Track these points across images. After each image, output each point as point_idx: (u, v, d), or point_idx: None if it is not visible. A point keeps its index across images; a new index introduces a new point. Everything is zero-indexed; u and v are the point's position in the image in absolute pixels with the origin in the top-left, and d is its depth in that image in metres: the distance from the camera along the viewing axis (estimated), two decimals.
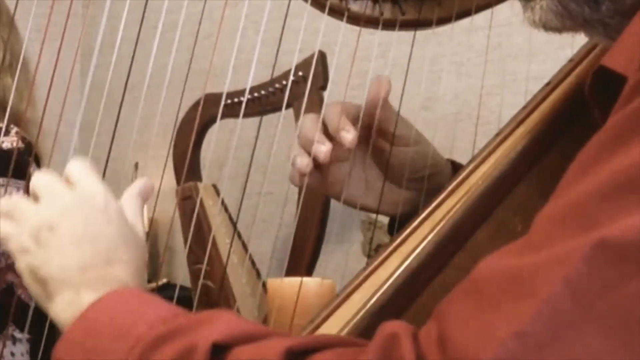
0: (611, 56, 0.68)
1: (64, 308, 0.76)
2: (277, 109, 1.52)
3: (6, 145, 1.39)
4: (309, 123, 1.00)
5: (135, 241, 0.82)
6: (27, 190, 1.45)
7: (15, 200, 0.82)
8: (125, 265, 0.78)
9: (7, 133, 1.38)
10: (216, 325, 0.67)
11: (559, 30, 0.83)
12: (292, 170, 1.02)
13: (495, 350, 0.51)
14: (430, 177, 1.06)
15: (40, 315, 0.84)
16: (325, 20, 1.03)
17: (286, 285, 1.01)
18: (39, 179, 0.82)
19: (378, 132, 1.03)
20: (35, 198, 0.81)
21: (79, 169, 0.83)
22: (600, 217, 0.53)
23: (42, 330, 0.90)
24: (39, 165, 1.43)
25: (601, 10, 0.77)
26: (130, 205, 0.86)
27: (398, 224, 1.04)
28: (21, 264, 0.79)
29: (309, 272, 1.46)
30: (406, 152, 1.04)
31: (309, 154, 0.99)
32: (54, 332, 0.89)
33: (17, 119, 1.41)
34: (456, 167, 1.08)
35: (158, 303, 0.74)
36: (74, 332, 0.73)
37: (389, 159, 1.04)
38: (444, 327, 0.56)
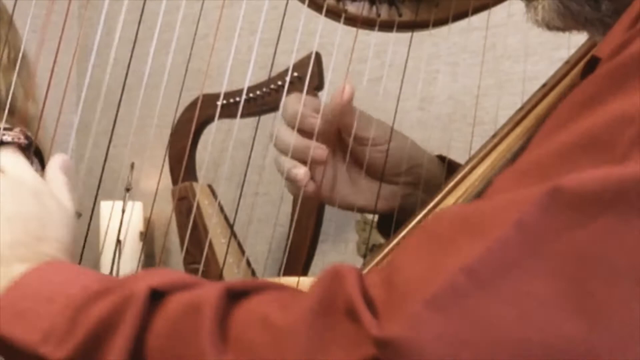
0: (600, 46, 0.69)
1: None
2: (273, 109, 1.52)
3: (6, 139, 1.39)
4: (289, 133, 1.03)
5: (65, 220, 0.82)
6: None
7: None
8: (55, 242, 0.79)
9: (10, 129, 1.39)
10: (152, 275, 0.67)
11: (562, 29, 0.83)
12: (288, 183, 1.04)
13: (441, 283, 0.51)
14: (411, 170, 1.07)
15: None
16: (322, 21, 1.03)
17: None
18: None
19: (353, 139, 1.05)
20: None
21: (9, 159, 0.85)
22: (558, 170, 0.54)
23: None
24: (42, 162, 1.43)
25: (601, 9, 0.77)
26: (55, 181, 0.86)
27: (387, 221, 1.05)
28: None
29: (304, 271, 1.46)
30: (382, 150, 1.06)
31: (300, 161, 1.01)
32: None
33: (20, 117, 1.41)
34: (451, 165, 1.09)
35: (90, 271, 0.74)
36: (6, 299, 0.72)
37: (367, 160, 1.05)
38: (393, 266, 0.57)
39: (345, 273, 0.57)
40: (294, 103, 1.04)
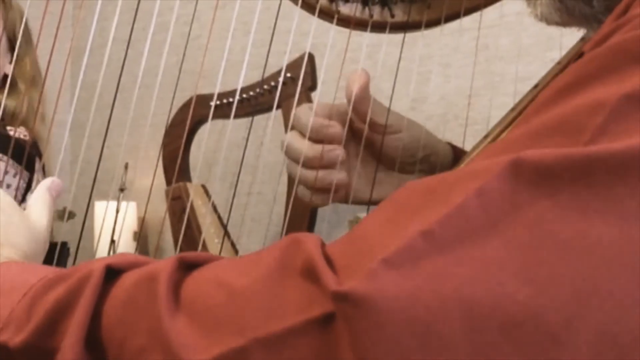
0: (588, 43, 0.70)
1: None
2: (266, 109, 1.53)
3: (17, 135, 1.42)
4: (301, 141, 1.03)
5: (29, 231, 0.85)
6: (26, 182, 1.45)
7: None
8: (14, 249, 0.81)
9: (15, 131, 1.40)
10: (109, 258, 0.68)
11: (561, 24, 0.84)
12: (301, 188, 1.04)
13: (400, 243, 0.52)
14: (427, 158, 1.07)
15: None
16: (315, 22, 1.03)
17: None
18: None
19: (368, 126, 1.05)
20: None
21: None
22: (523, 147, 0.54)
23: None
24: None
25: (593, 6, 0.78)
26: (37, 199, 0.89)
27: None
28: None
29: None
30: (400, 138, 1.06)
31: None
32: None
33: (32, 134, 1.43)
34: (456, 151, 1.10)
35: (51, 267, 0.75)
36: None
37: (381, 149, 1.05)
38: (355, 231, 0.58)
39: (304, 238, 0.58)
40: (306, 114, 1.04)
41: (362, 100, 1.02)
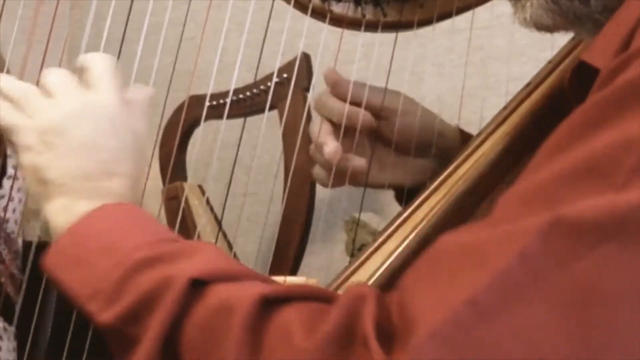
0: (590, 51, 0.69)
1: (58, 212, 0.77)
2: (261, 110, 1.53)
3: None
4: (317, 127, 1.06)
5: (138, 155, 0.82)
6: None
7: (24, 87, 0.82)
8: (124, 179, 0.79)
9: None
10: (197, 260, 0.68)
11: (549, 28, 0.83)
12: (318, 171, 1.07)
13: (446, 314, 0.52)
14: (438, 142, 1.08)
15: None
16: (308, 22, 1.03)
17: None
18: (54, 75, 0.82)
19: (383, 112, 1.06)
20: (47, 93, 0.81)
21: (100, 70, 0.83)
22: (560, 198, 0.54)
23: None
24: None
25: (590, 5, 0.77)
26: (135, 107, 0.85)
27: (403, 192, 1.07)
28: (24, 160, 0.79)
29: (293, 271, 1.47)
30: (412, 123, 1.06)
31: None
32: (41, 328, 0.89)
33: None
34: (464, 134, 1.11)
35: (147, 223, 0.76)
36: (63, 241, 0.74)
37: (396, 132, 1.06)
38: (403, 293, 0.58)
39: (367, 296, 0.59)
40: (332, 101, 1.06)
41: (340, 83, 1.05)
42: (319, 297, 0.65)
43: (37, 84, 0.83)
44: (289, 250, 1.48)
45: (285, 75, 1.46)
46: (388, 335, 0.55)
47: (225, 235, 1.53)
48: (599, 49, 0.67)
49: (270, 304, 0.63)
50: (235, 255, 1.31)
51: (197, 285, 0.66)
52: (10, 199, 1.45)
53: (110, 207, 0.76)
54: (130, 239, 0.71)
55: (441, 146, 1.07)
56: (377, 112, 1.05)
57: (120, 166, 0.79)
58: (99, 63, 0.83)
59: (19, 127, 0.79)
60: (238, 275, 0.68)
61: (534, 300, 0.52)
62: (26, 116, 0.79)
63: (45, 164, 0.78)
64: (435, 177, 0.96)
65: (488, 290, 0.52)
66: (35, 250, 0.92)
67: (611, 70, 0.59)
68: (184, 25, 1.04)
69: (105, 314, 0.68)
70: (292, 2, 1.02)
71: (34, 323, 0.91)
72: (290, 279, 1.02)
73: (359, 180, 1.07)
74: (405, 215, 0.94)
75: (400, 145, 1.07)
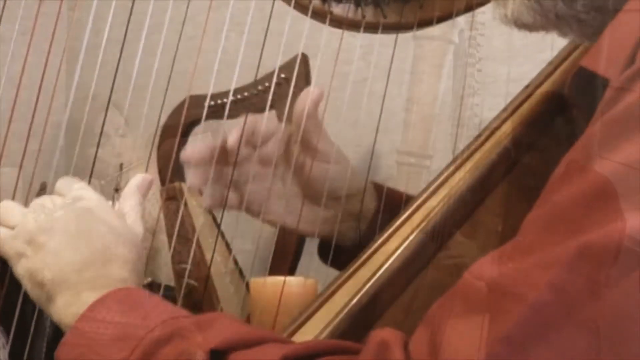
0: (591, 57, 0.68)
1: (64, 309, 0.76)
2: (260, 110, 1.53)
3: None
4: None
5: (130, 237, 0.83)
6: None
7: (5, 204, 0.82)
8: (122, 262, 0.79)
9: None
10: (214, 331, 0.68)
11: (529, 27, 0.81)
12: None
13: (482, 353, 0.52)
14: (348, 198, 1.06)
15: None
16: (308, 23, 1.03)
17: (269, 285, 1.02)
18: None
19: (302, 143, 1.04)
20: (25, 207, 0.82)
21: (65, 182, 0.85)
22: (585, 223, 0.53)
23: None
24: None
25: (576, 7, 0.76)
26: (128, 202, 0.87)
27: (326, 249, 1.06)
28: (19, 269, 0.79)
29: (291, 271, 1.47)
30: (326, 169, 1.05)
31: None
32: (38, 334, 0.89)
33: None
34: (379, 191, 1.09)
35: (157, 303, 0.75)
36: (75, 333, 0.73)
37: (309, 175, 1.05)
38: (434, 332, 0.57)
39: (391, 343, 0.59)
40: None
41: (309, 118, 1.03)
42: (342, 351, 0.64)
43: (40, 85, 0.83)
44: (287, 251, 1.48)
45: (283, 76, 1.46)
46: None
47: (223, 236, 1.53)
48: (602, 56, 0.66)
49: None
50: (234, 256, 1.31)
51: (218, 356, 0.65)
52: None
53: (115, 294, 0.75)
54: (141, 323, 0.71)
55: (353, 203, 1.06)
56: (309, 151, 1.05)
57: (115, 250, 0.79)
58: (59, 182, 0.86)
59: (5, 239, 0.80)
60: (256, 340, 0.67)
61: (566, 329, 0.51)
62: (10, 227, 0.81)
63: (40, 265, 0.78)
64: (436, 178, 0.96)
65: (521, 325, 0.52)
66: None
67: (619, 88, 0.59)
68: (184, 26, 1.04)
69: None
70: (293, 3, 1.02)
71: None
72: (289, 279, 1.02)
73: (252, 210, 1.09)
74: (405, 215, 0.93)
75: (311, 193, 1.07)
